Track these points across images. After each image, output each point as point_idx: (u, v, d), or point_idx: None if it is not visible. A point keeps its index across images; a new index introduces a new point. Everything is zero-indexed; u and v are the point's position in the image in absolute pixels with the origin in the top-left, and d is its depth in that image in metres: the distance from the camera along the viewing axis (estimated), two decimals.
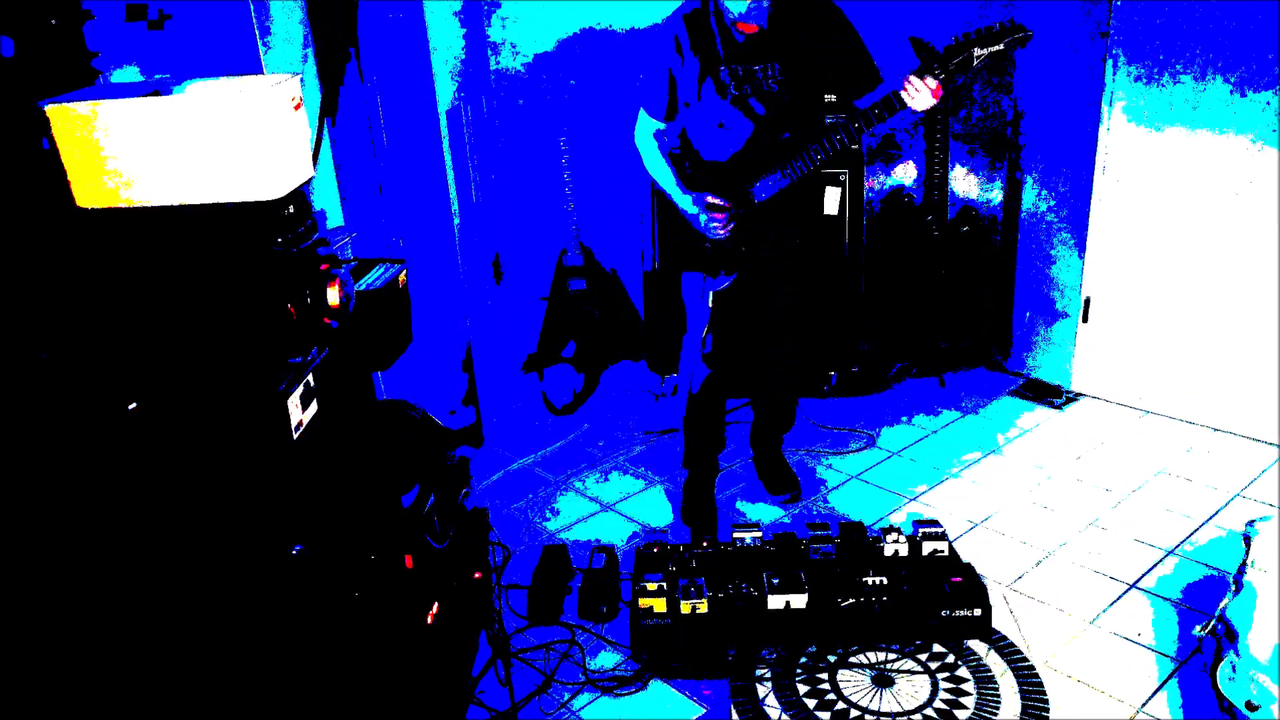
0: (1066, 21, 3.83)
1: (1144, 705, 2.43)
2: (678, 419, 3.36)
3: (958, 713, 2.41)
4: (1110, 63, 3.72)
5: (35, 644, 1.76)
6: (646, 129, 2.99)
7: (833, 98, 3.42)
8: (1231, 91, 3.46)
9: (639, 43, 3.48)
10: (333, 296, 1.85)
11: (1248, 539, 2.28)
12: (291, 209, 1.78)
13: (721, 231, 2.90)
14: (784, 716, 2.42)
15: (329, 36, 3.09)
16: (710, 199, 2.88)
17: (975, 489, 3.48)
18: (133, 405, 1.67)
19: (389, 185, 3.43)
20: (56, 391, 1.69)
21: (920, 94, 2.57)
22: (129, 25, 2.35)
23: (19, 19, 1.73)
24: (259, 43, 2.81)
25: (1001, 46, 2.54)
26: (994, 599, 2.70)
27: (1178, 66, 3.57)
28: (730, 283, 2.99)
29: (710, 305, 3.00)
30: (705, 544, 2.88)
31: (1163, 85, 3.62)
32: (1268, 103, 3.38)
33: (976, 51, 2.54)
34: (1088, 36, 3.77)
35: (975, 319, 4.34)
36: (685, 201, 2.92)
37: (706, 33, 2.81)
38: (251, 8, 2.77)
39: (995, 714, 2.39)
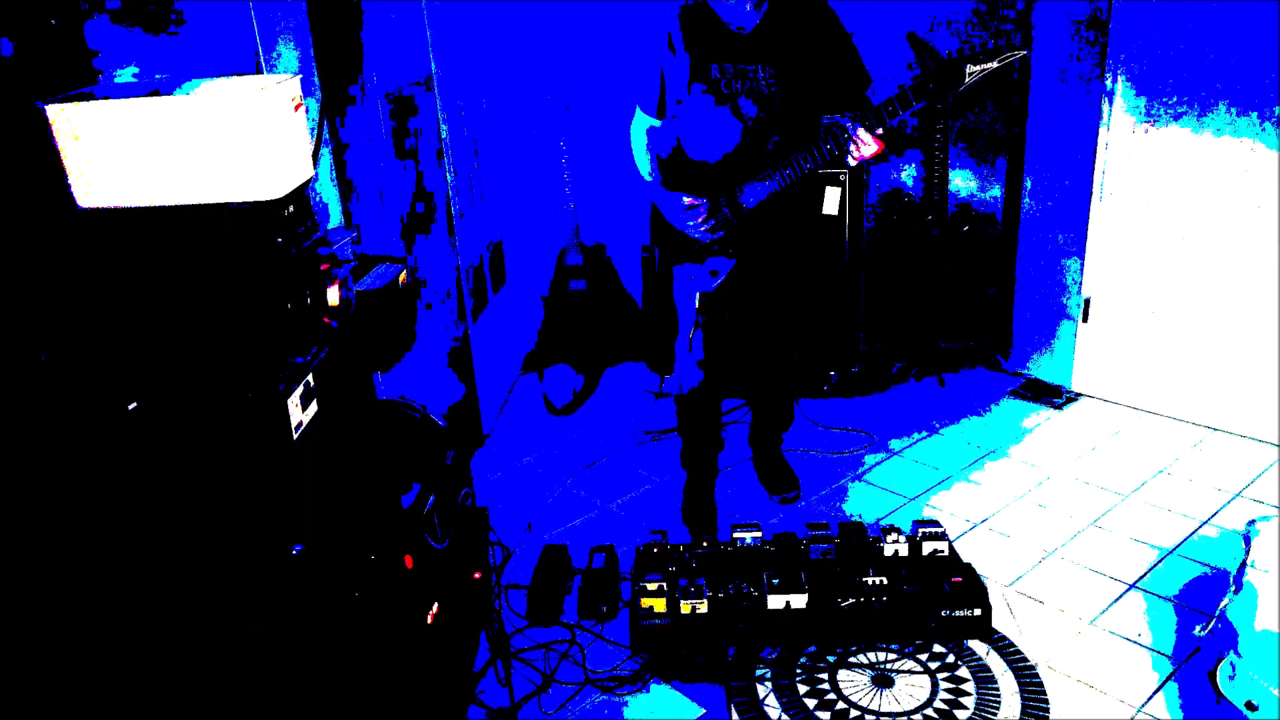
0: (1067, 24, 3.83)
1: (1144, 705, 2.43)
2: (676, 419, 3.36)
3: (958, 713, 2.41)
4: (1110, 65, 3.72)
5: (36, 643, 1.76)
6: (641, 126, 3.00)
7: (828, 102, 3.42)
8: (1231, 101, 3.47)
9: (635, 40, 3.49)
10: (333, 296, 1.85)
11: (1248, 539, 2.28)
12: (292, 209, 1.77)
13: (702, 229, 2.90)
14: (784, 716, 2.42)
15: (330, 36, 3.08)
16: (685, 199, 2.88)
17: (975, 489, 3.48)
18: (133, 405, 1.67)
19: (389, 186, 3.43)
20: (56, 392, 1.69)
21: (864, 144, 2.66)
22: (129, 25, 2.34)
23: (19, 19, 1.73)
24: (259, 43, 2.81)
25: (995, 64, 2.58)
26: (994, 599, 2.70)
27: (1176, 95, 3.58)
28: (719, 284, 2.99)
29: (696, 307, 3.00)
30: (705, 544, 2.88)
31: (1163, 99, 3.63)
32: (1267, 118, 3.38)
33: (970, 68, 2.58)
34: (1085, 41, 3.78)
35: (975, 319, 4.34)
36: (664, 201, 2.93)
37: (699, 30, 2.81)
38: (252, 8, 2.77)
39: (995, 714, 2.40)
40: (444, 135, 3.64)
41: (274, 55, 2.87)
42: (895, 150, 4.11)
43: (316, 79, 3.04)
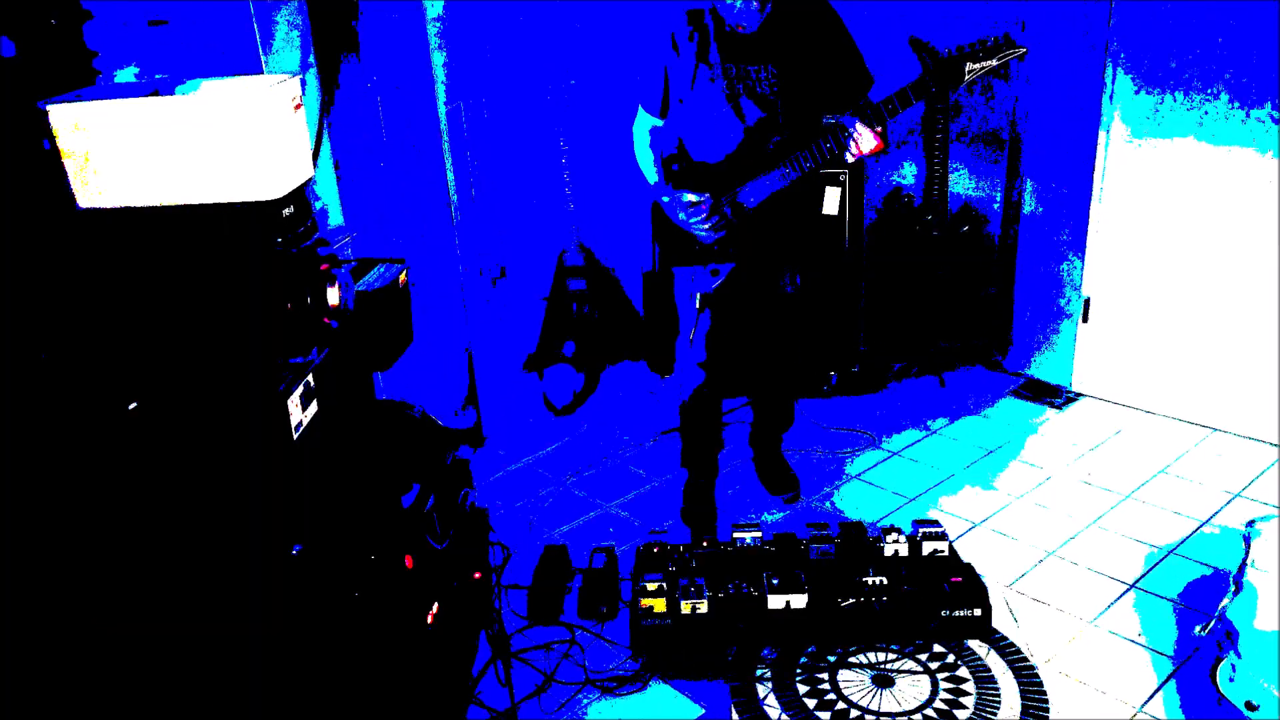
0: (1067, 24, 3.83)
1: (1144, 705, 2.43)
2: (676, 419, 3.36)
3: (958, 713, 2.41)
4: (1110, 66, 3.72)
5: (37, 643, 1.76)
6: (644, 125, 3.00)
7: (830, 102, 3.42)
8: (1230, 101, 3.47)
9: (638, 39, 3.50)
10: (333, 296, 1.85)
11: (1248, 539, 2.28)
12: (291, 209, 1.78)
13: (704, 226, 2.90)
14: (784, 716, 2.42)
15: (330, 37, 3.09)
16: (687, 195, 2.88)
17: (975, 489, 3.48)
18: (133, 405, 1.67)
19: (389, 185, 3.43)
20: (56, 392, 1.69)
21: (862, 138, 2.67)
22: (128, 25, 2.35)
23: (19, 19, 1.73)
24: (259, 43, 2.81)
25: (994, 63, 2.58)
26: (994, 599, 2.70)
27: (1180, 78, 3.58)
28: (719, 284, 3.00)
29: (697, 307, 3.01)
30: (705, 544, 2.88)
31: (1162, 91, 3.63)
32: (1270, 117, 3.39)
33: (970, 66, 2.58)
34: (1087, 39, 3.77)
35: (975, 319, 4.34)
36: (667, 199, 2.93)
37: (702, 30, 2.81)
38: (252, 8, 2.77)
39: (995, 714, 2.40)
40: (444, 135, 3.64)
41: (271, 51, 2.87)
42: (895, 145, 4.11)
43: (317, 79, 3.05)
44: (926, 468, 3.65)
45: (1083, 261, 4.00)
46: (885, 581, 2.65)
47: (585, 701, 2.54)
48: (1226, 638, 2.29)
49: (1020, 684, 2.48)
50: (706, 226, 2.90)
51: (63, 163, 1.65)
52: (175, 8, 2.46)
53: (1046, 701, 2.43)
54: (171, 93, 1.75)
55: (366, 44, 3.23)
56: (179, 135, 1.63)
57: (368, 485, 2.07)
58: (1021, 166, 4.14)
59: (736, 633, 2.60)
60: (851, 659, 2.60)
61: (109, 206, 1.67)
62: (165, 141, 1.63)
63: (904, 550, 2.80)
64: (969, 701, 2.44)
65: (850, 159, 2.72)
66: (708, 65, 2.82)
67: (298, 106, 1.77)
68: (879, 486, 3.54)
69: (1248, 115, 3.44)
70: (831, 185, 3.41)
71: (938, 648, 2.62)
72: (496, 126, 3.90)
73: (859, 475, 3.62)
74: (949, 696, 2.46)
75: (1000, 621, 2.70)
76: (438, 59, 3.57)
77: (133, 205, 1.67)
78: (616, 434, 4.02)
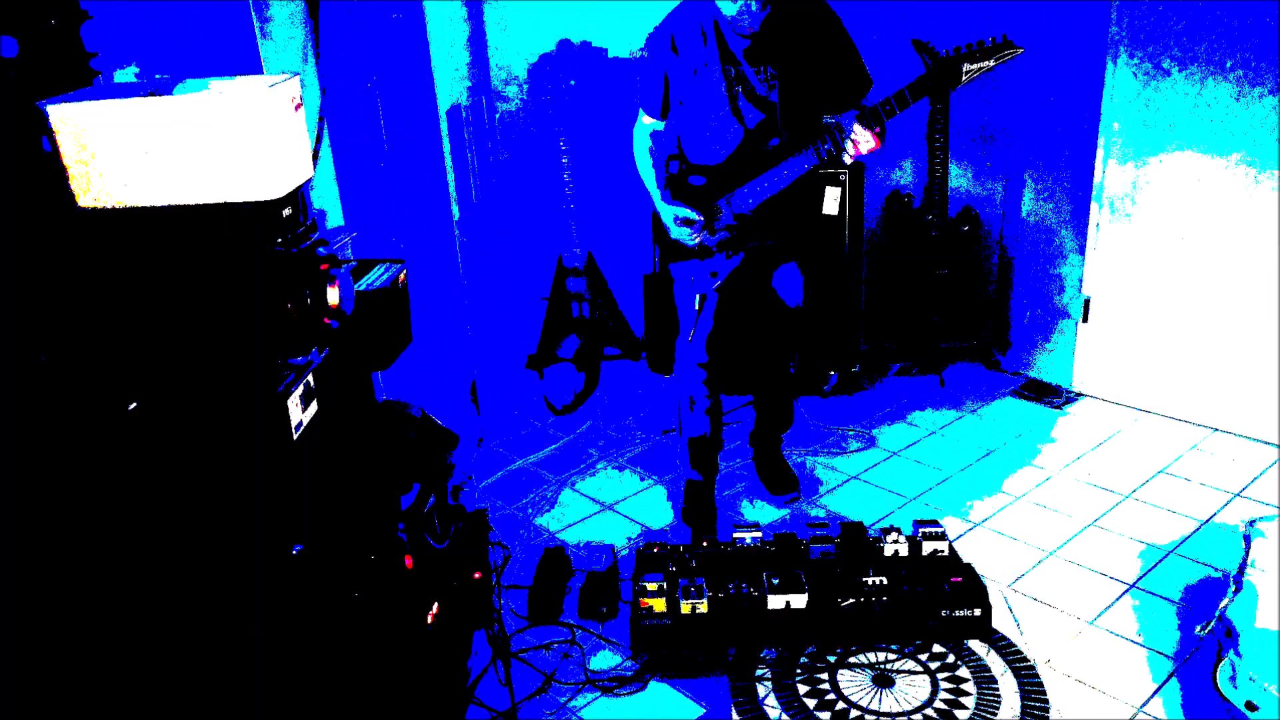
0: (1067, 24, 3.83)
1: (1144, 705, 2.43)
2: (676, 419, 3.36)
3: (958, 713, 2.41)
4: (1111, 64, 3.72)
5: (37, 643, 1.76)
6: (644, 128, 3.00)
7: (830, 103, 3.42)
8: (1231, 102, 3.47)
9: (638, 40, 3.50)
10: (333, 296, 1.85)
11: (1248, 539, 2.28)
12: (291, 209, 1.77)
13: (696, 238, 2.91)
14: (784, 716, 2.42)
15: (329, 34, 3.08)
16: (684, 212, 2.89)
17: (975, 489, 3.48)
18: (133, 406, 1.67)
19: (389, 186, 3.43)
20: (56, 392, 1.69)
21: (861, 140, 2.67)
22: (129, 25, 2.35)
23: (19, 19, 1.73)
24: (259, 43, 2.81)
25: (992, 63, 2.59)
26: (994, 599, 2.70)
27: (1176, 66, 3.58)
28: (720, 283, 3.00)
29: (697, 308, 3.01)
30: (705, 544, 2.88)
31: (1163, 83, 3.63)
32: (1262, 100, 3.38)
33: (968, 67, 2.59)
34: (1087, 38, 3.77)
35: (975, 319, 4.34)
36: (664, 211, 2.95)
37: (700, 32, 2.81)
38: (251, 7, 2.77)
39: (995, 714, 2.40)
40: (444, 135, 3.64)
41: (270, 50, 2.87)
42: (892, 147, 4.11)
43: (317, 78, 3.04)
44: (926, 467, 3.65)
45: (1083, 261, 4.00)
46: (885, 581, 2.65)
47: (585, 701, 2.54)
48: (1226, 637, 2.30)
49: (1020, 684, 2.48)
50: (698, 239, 2.92)
51: (63, 163, 1.65)
52: (175, 7, 2.46)
53: (1046, 701, 2.43)
54: (171, 93, 1.75)
55: (366, 42, 3.22)
56: (178, 135, 1.63)
57: (368, 485, 2.07)
58: (1022, 166, 4.14)
59: (736, 633, 2.60)
60: (851, 659, 2.60)
61: (108, 206, 1.67)
62: (165, 142, 1.63)
63: (904, 550, 2.80)
64: (969, 701, 2.44)
65: (849, 160, 2.72)
66: (707, 67, 2.82)
67: (297, 106, 1.77)
68: (879, 486, 3.54)
69: (1248, 113, 3.44)
70: (831, 185, 3.41)
71: (938, 648, 2.62)
72: (495, 126, 3.90)
73: (859, 475, 3.62)
74: (949, 696, 2.46)
75: (1000, 621, 2.70)
76: (438, 59, 3.57)
77: (132, 205, 1.67)
78: (617, 433, 4.02)
